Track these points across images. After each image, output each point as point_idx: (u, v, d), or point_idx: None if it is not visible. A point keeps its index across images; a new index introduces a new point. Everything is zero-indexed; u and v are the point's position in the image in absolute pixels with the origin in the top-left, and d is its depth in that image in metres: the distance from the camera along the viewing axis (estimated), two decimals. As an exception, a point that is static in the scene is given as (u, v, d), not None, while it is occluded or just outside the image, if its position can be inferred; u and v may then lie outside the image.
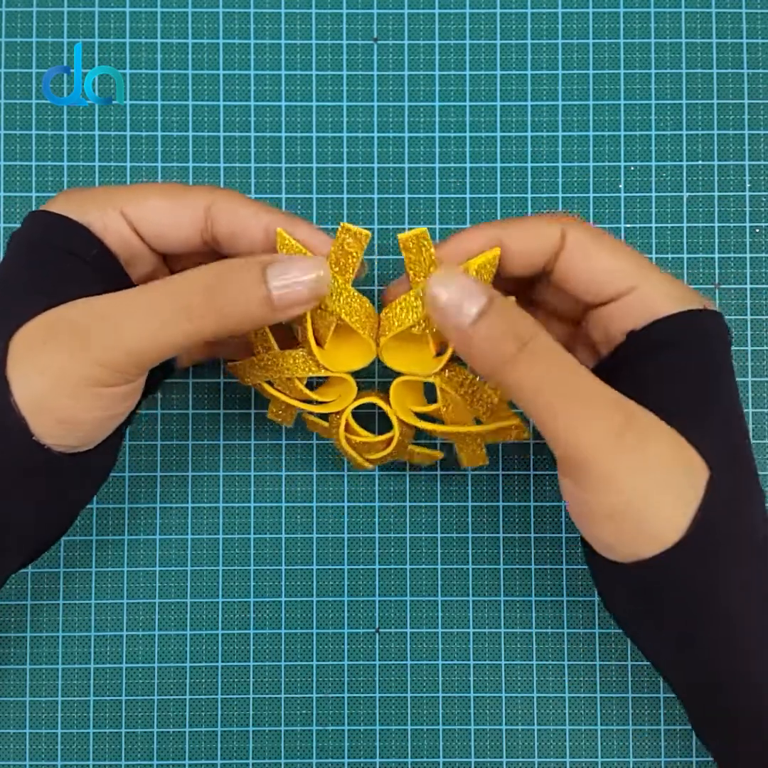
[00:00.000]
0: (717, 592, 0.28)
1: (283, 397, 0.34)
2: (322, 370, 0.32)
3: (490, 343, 0.28)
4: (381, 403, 0.34)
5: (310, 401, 0.34)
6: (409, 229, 0.39)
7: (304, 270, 0.29)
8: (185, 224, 0.31)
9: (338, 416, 0.34)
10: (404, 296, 0.31)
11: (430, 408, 0.34)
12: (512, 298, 0.30)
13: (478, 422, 0.34)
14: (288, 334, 0.35)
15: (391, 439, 0.35)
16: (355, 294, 0.31)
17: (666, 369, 0.30)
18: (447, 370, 0.32)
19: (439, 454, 0.37)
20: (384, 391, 0.34)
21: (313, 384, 0.35)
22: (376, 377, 0.39)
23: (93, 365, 0.27)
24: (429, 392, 0.36)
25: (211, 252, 0.33)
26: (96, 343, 0.27)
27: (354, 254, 0.31)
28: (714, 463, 0.28)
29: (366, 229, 0.31)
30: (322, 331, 0.32)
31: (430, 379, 0.32)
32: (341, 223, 0.31)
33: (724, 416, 0.29)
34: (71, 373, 0.27)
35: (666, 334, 0.30)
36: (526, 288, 0.34)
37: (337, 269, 0.31)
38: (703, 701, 0.29)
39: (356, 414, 0.34)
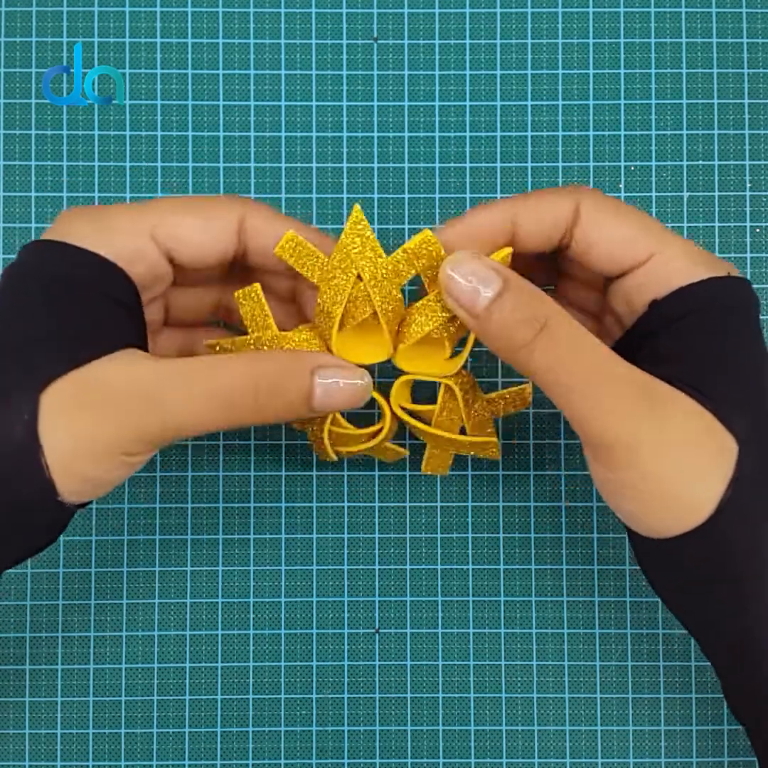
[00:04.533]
0: (753, 565, 0.27)
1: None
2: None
3: (506, 327, 0.28)
4: (377, 396, 0.34)
5: None
6: (412, 229, 0.39)
7: (349, 378, 0.29)
8: (220, 241, 0.31)
9: None
10: (423, 301, 0.31)
11: (425, 408, 0.34)
12: (528, 283, 0.29)
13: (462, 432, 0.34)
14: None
15: (377, 432, 0.34)
16: (398, 295, 0.31)
17: (690, 340, 0.29)
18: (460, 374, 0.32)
19: (405, 452, 0.36)
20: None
21: None
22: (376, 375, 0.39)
23: (126, 439, 0.27)
24: (416, 392, 0.36)
25: (226, 264, 0.32)
26: (132, 421, 0.27)
27: (422, 262, 0.31)
28: (743, 437, 0.27)
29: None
30: (347, 318, 0.31)
31: (446, 380, 0.32)
32: (425, 230, 0.30)
33: (754, 386, 0.28)
34: (104, 441, 0.27)
35: (690, 303, 0.29)
36: (549, 261, 0.34)
37: (402, 265, 0.31)
38: (743, 672, 0.29)
39: None
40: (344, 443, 0.35)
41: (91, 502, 0.30)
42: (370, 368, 0.32)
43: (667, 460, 0.27)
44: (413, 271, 0.31)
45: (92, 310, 0.29)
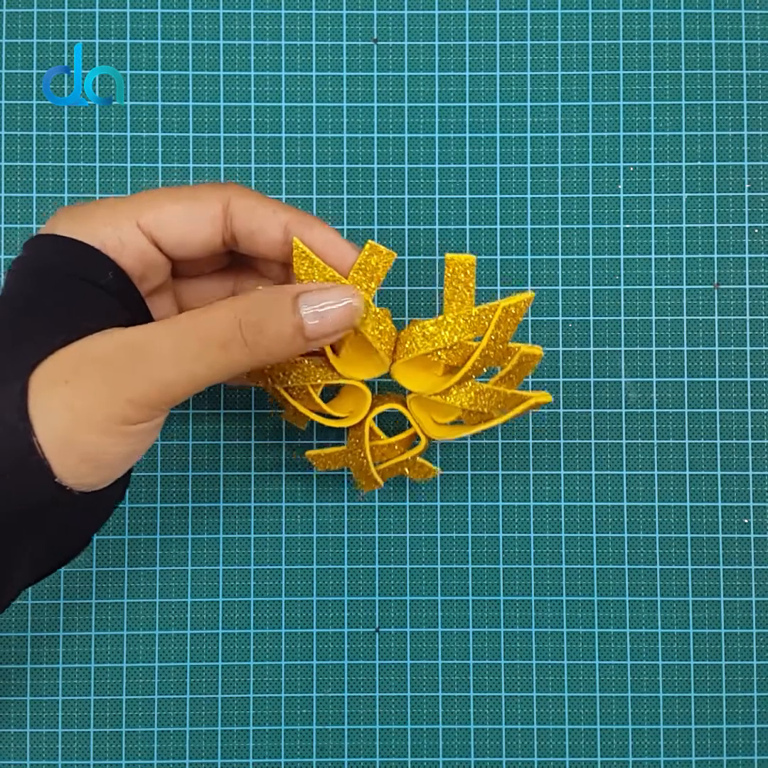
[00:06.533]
0: None
1: (300, 407, 0.34)
2: (336, 377, 0.32)
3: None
4: (403, 409, 0.34)
5: (325, 415, 0.34)
6: (412, 229, 0.39)
7: (336, 299, 0.29)
8: (205, 226, 0.31)
9: (359, 428, 0.34)
10: (425, 323, 0.31)
11: (452, 417, 0.34)
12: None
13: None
14: None
15: (412, 436, 0.35)
16: (379, 312, 0.31)
17: None
18: (459, 388, 0.32)
19: (438, 470, 0.37)
20: (396, 392, 0.34)
21: (325, 397, 0.35)
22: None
23: (121, 402, 0.27)
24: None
25: (223, 254, 0.33)
26: (124, 381, 0.27)
27: (379, 273, 0.31)
28: None
29: (389, 249, 0.31)
30: (338, 343, 0.32)
31: (451, 402, 0.33)
32: (368, 242, 0.31)
33: None
34: (98, 410, 0.27)
35: None
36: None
37: (362, 286, 0.31)
38: None
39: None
40: (384, 456, 0.35)
41: (101, 490, 0.29)
42: (370, 382, 0.33)
43: None
44: (374, 285, 0.31)
45: (75, 296, 0.29)
